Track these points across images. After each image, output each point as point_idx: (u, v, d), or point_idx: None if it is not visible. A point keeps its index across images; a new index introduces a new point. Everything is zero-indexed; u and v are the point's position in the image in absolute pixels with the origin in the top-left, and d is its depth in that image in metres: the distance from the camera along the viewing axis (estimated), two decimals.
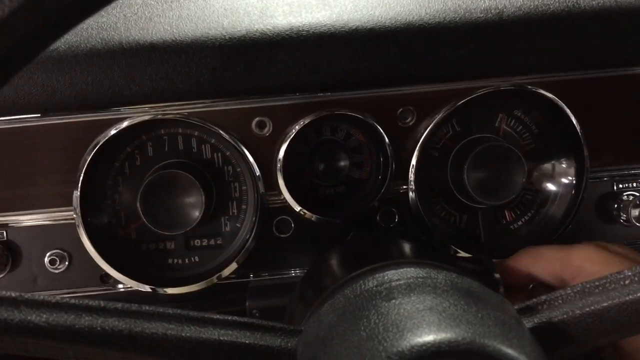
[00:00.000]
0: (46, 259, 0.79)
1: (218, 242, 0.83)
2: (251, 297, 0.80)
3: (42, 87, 0.71)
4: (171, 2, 0.75)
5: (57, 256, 0.79)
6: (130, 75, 0.71)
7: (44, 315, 0.38)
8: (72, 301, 0.39)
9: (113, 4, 0.70)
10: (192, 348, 0.42)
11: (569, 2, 0.72)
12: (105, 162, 0.79)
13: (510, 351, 0.39)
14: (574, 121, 0.78)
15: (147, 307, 0.42)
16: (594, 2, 0.72)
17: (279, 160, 0.77)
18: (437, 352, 0.38)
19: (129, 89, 0.71)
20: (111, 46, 0.70)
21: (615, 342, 0.59)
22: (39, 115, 0.75)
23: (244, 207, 0.82)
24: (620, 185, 0.84)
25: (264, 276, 0.83)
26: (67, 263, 0.79)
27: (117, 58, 0.70)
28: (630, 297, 0.45)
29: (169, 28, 0.71)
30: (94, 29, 0.71)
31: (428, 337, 0.38)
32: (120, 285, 0.80)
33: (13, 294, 0.38)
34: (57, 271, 0.79)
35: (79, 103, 0.72)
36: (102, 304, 0.40)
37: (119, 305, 0.41)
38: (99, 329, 0.39)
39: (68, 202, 0.77)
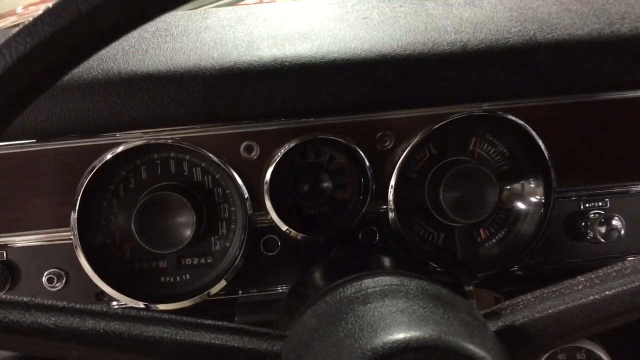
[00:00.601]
0: (44, 278, 0.82)
1: (208, 260, 0.87)
2: (240, 313, 0.84)
3: (47, 114, 0.75)
4: (165, 36, 0.80)
5: (54, 275, 0.82)
6: (128, 103, 0.76)
7: (52, 318, 0.42)
8: (78, 306, 0.43)
9: None
10: (185, 350, 0.46)
11: (526, 35, 0.78)
12: (101, 185, 0.83)
13: (472, 347, 0.43)
14: (541, 144, 0.83)
15: (145, 313, 0.46)
16: (549, 36, 0.79)
17: (266, 182, 0.81)
18: (407, 348, 0.42)
19: (127, 115, 0.76)
20: (111, 76, 0.75)
21: (572, 342, 0.64)
22: (35, 140, 0.80)
23: (232, 227, 0.86)
24: (587, 205, 0.88)
25: (252, 293, 0.86)
26: (64, 281, 0.83)
27: (116, 87, 0.75)
28: (583, 300, 0.50)
29: (163, 59, 0.76)
30: (95, 61, 0.76)
31: (399, 335, 0.43)
32: (114, 303, 0.83)
33: (25, 299, 0.42)
34: (54, 289, 0.82)
35: (81, 128, 0.77)
36: (105, 309, 0.44)
37: (120, 310, 0.45)
38: (101, 331, 0.43)
39: (65, 224, 0.81)
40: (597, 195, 0.88)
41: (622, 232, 0.85)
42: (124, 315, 0.45)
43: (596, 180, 0.88)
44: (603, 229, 0.85)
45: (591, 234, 0.86)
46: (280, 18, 0.87)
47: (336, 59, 0.77)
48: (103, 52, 0.76)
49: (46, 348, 0.42)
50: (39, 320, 0.41)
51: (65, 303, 0.43)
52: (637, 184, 0.88)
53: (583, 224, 0.87)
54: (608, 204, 0.88)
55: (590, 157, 0.87)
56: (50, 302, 0.43)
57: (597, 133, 0.86)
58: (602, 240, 0.85)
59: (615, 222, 0.85)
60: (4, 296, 0.43)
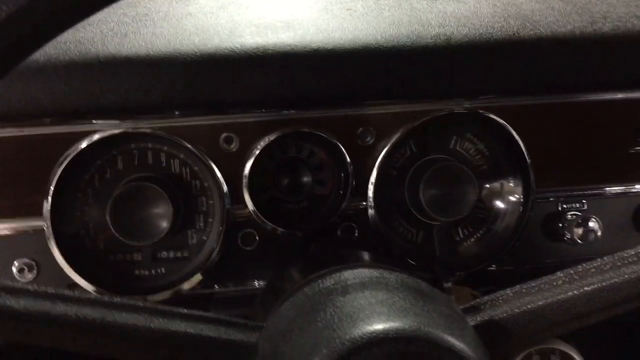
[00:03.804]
0: (14, 268, 0.80)
1: (184, 254, 0.85)
2: (216, 308, 0.83)
3: (22, 95, 0.73)
4: (145, 20, 0.79)
5: (25, 265, 0.80)
6: (105, 86, 0.74)
7: (22, 302, 0.41)
8: (50, 290, 0.42)
9: (89, 21, 0.73)
10: (159, 338, 0.45)
11: (509, 31, 0.79)
12: (76, 174, 0.81)
13: (451, 339, 0.43)
14: (521, 144, 0.83)
15: (118, 299, 0.45)
16: (532, 32, 0.79)
17: (245, 175, 0.80)
18: (386, 338, 0.42)
19: (105, 99, 0.74)
20: (89, 59, 0.73)
21: (551, 337, 0.64)
22: (7, 127, 0.77)
23: (210, 220, 0.84)
24: (565, 206, 0.89)
25: (228, 287, 0.85)
26: (35, 272, 0.80)
27: (94, 70, 0.73)
28: (562, 296, 0.50)
29: (143, 44, 0.75)
30: (72, 43, 0.74)
31: (378, 326, 0.42)
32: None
33: None
34: (24, 280, 0.80)
35: (56, 112, 0.75)
36: (77, 294, 0.43)
37: (92, 296, 0.44)
38: (73, 317, 0.42)
39: (37, 213, 0.78)
40: (574, 197, 0.89)
41: (599, 233, 0.86)
42: (97, 301, 0.43)
43: (574, 182, 0.89)
44: (580, 230, 0.86)
45: (568, 235, 0.87)
46: (263, 7, 0.86)
47: (319, 48, 0.76)
48: (81, 34, 0.74)
49: (15, 333, 0.41)
50: (8, 303, 0.40)
51: (37, 287, 0.42)
52: (614, 186, 0.89)
53: (560, 224, 0.88)
54: (585, 205, 0.89)
55: (568, 158, 0.88)
56: (20, 285, 0.41)
57: (576, 134, 0.87)
58: (579, 241, 0.86)
59: (592, 223, 0.86)
60: None
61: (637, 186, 0.89)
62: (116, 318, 0.43)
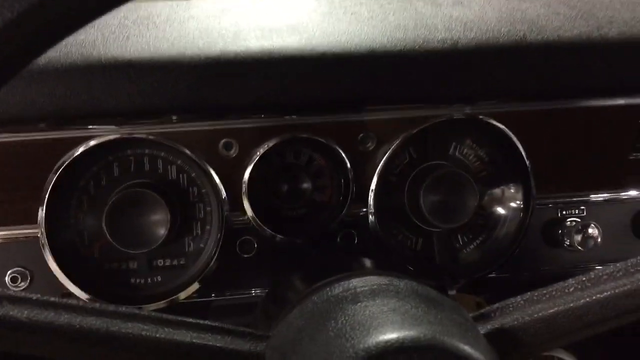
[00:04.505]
0: (7, 277, 0.78)
1: (181, 262, 0.84)
2: (213, 317, 0.81)
3: (20, 98, 0.72)
4: (147, 24, 0.78)
5: (18, 274, 0.78)
6: (108, 90, 0.73)
7: (25, 312, 0.39)
8: (52, 299, 0.40)
9: (90, 24, 0.71)
10: (165, 349, 0.43)
11: (516, 35, 0.78)
12: (71, 181, 0.79)
13: (467, 348, 0.42)
14: (522, 150, 0.83)
15: (124, 309, 0.43)
16: (538, 37, 0.79)
17: (244, 182, 0.79)
18: (401, 348, 0.40)
19: (106, 103, 0.73)
20: (90, 62, 0.72)
21: (562, 346, 0.63)
22: (1, 132, 0.76)
23: (208, 227, 0.83)
24: (564, 212, 0.88)
25: (226, 296, 0.84)
26: (28, 281, 0.79)
27: (95, 73, 0.72)
28: (574, 304, 0.49)
29: (146, 47, 0.74)
30: (73, 46, 0.72)
31: (392, 335, 0.41)
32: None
33: None
34: (18, 289, 0.78)
35: (56, 115, 0.73)
36: (81, 303, 0.42)
37: (97, 305, 0.42)
38: (77, 326, 0.40)
39: (31, 220, 0.77)
40: (574, 203, 0.88)
41: (599, 240, 0.86)
42: (102, 310, 0.42)
43: (573, 188, 0.88)
44: (579, 237, 0.86)
45: (568, 242, 0.87)
46: (266, 10, 0.85)
47: (325, 52, 0.75)
48: (82, 37, 0.73)
49: (18, 343, 0.39)
50: (10, 313, 0.38)
51: (39, 296, 0.40)
52: (614, 192, 0.89)
53: (560, 231, 0.87)
54: (585, 211, 0.88)
55: (567, 164, 0.88)
56: (23, 294, 0.40)
57: (575, 141, 0.87)
58: (579, 248, 0.86)
59: (592, 230, 0.86)
60: None
61: (635, 192, 0.89)
62: (121, 328, 0.42)
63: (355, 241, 0.85)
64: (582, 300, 0.49)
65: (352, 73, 0.76)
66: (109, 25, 0.76)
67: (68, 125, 0.76)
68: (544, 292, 0.51)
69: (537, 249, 0.89)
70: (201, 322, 0.46)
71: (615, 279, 0.49)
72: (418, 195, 0.81)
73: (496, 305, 0.51)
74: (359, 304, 0.46)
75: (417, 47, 0.77)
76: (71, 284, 0.77)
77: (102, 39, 0.74)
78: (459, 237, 0.89)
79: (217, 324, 0.46)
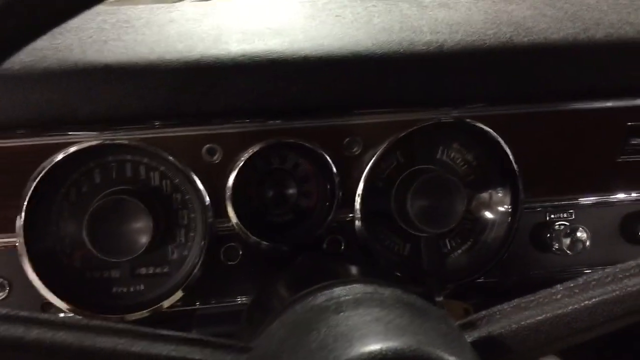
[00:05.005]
0: None
1: (164, 270, 0.82)
2: (197, 326, 0.80)
3: None
4: (126, 27, 0.76)
5: None
6: (85, 95, 0.71)
7: None
8: (22, 313, 0.39)
9: (66, 27, 0.70)
10: None
11: (502, 37, 0.77)
12: (51, 188, 0.78)
13: (452, 358, 0.41)
14: (510, 154, 0.82)
15: (97, 322, 0.42)
16: (525, 39, 0.78)
17: (229, 188, 0.77)
18: (384, 359, 0.39)
19: (84, 109, 0.71)
20: (66, 67, 0.70)
21: (551, 353, 0.62)
22: None
23: (191, 234, 0.82)
24: (552, 216, 0.88)
25: (210, 304, 0.82)
26: (6, 291, 0.77)
27: (72, 78, 0.70)
28: (562, 310, 0.48)
29: (124, 51, 0.72)
30: (49, 50, 0.71)
31: (376, 346, 0.40)
32: (62, 315, 0.78)
33: None
34: None
35: (32, 123, 0.72)
36: (52, 317, 0.40)
37: (68, 319, 0.41)
38: (47, 342, 0.39)
39: (10, 229, 0.75)
40: (562, 206, 0.88)
41: (587, 243, 0.85)
42: (74, 324, 0.40)
43: (562, 191, 0.88)
44: (568, 241, 0.85)
45: (556, 245, 0.86)
46: (248, 13, 0.83)
47: (309, 56, 0.74)
48: (58, 41, 0.71)
49: None
50: None
51: (8, 309, 0.38)
52: (602, 195, 0.88)
53: (548, 235, 0.87)
54: (573, 214, 0.88)
55: (556, 168, 0.87)
56: None
57: (563, 143, 0.86)
58: (568, 251, 0.85)
59: (580, 233, 0.85)
60: None
61: (624, 195, 0.89)
62: (94, 342, 0.40)
63: (342, 247, 0.84)
64: (570, 307, 0.48)
65: (337, 76, 0.75)
66: (86, 29, 0.75)
67: (47, 132, 0.75)
68: (532, 298, 0.50)
69: (526, 253, 0.88)
70: (179, 334, 0.44)
71: (603, 285, 0.48)
72: (405, 200, 0.80)
73: (483, 312, 0.50)
74: (342, 313, 0.45)
75: (402, 49, 0.76)
76: (51, 293, 0.75)
77: (79, 42, 0.73)
78: (447, 241, 0.88)
79: (195, 336, 0.45)
